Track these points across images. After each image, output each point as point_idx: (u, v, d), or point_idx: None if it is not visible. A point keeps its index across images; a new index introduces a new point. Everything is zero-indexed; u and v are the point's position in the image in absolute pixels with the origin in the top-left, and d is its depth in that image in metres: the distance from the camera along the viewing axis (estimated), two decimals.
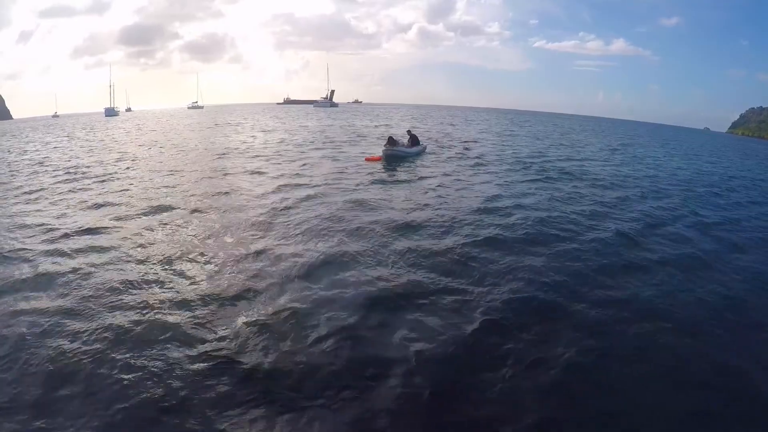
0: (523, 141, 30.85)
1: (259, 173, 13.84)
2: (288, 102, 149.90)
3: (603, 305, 5.31)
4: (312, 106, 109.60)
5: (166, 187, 11.93)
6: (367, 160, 16.57)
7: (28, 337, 4.41)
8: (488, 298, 5.34)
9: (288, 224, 8.19)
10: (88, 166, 16.07)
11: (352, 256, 6.57)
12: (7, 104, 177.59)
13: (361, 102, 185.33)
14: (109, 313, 4.87)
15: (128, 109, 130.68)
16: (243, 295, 5.31)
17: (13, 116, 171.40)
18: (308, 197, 10.31)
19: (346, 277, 5.87)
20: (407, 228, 8.02)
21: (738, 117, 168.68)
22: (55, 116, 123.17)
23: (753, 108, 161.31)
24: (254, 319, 4.75)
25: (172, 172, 14.29)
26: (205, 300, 5.18)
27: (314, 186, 11.76)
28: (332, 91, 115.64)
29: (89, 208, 9.71)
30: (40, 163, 17.52)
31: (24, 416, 3.41)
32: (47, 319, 4.72)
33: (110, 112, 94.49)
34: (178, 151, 20.88)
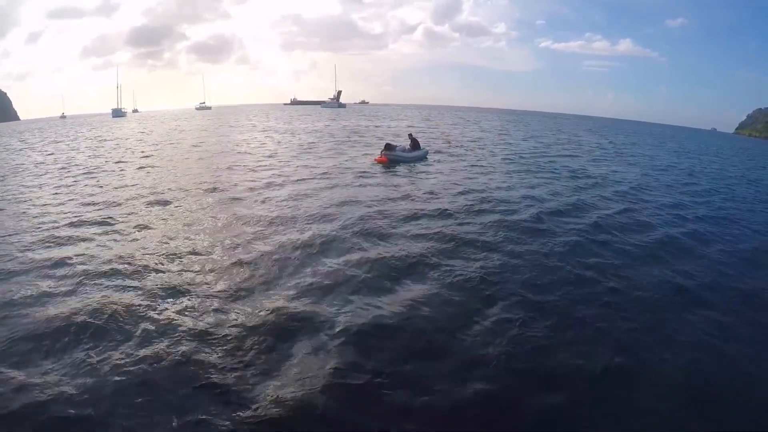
0: (527, 141, 30.95)
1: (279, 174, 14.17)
2: (295, 102, 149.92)
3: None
4: (320, 106, 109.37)
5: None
6: (377, 160, 16.75)
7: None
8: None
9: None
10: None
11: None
12: (15, 105, 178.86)
13: (367, 103, 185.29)
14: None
15: (135, 110, 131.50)
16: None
17: (21, 117, 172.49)
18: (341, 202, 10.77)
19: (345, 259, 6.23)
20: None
21: (745, 117, 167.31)
22: (63, 117, 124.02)
23: (760, 108, 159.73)
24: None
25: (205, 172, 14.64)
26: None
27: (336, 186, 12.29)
28: (339, 92, 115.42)
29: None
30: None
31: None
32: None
33: (117, 113, 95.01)
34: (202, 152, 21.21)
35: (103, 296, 5.34)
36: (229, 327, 4.67)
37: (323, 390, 3.73)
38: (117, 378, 3.85)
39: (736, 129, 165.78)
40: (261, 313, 4.96)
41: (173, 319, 4.80)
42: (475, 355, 4.34)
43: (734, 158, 33.62)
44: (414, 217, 9.23)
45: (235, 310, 5.03)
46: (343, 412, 3.57)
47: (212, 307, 5.09)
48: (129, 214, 9.29)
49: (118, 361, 4.06)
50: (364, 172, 14.58)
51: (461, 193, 11.73)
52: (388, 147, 17.10)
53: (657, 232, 9.10)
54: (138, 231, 8.12)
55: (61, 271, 6.16)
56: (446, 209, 9.84)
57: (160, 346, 4.31)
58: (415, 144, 18.61)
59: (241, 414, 3.47)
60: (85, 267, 6.25)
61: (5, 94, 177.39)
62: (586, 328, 4.98)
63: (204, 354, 4.20)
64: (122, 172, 15.18)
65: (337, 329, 4.66)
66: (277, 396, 3.66)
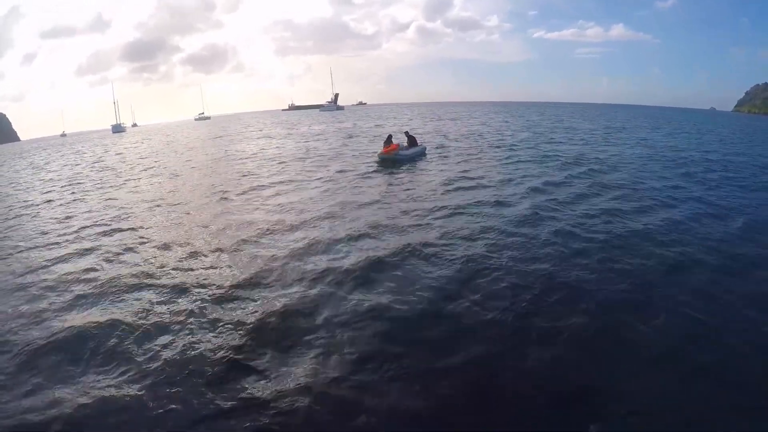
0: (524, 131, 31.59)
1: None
2: (293, 108, 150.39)
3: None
4: (319, 110, 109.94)
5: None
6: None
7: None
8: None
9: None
10: None
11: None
12: (14, 126, 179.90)
13: (365, 103, 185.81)
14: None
15: (134, 125, 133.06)
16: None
17: (21, 138, 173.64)
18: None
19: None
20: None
21: (743, 95, 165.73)
22: (63, 135, 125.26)
23: (758, 84, 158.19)
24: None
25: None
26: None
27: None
28: (337, 95, 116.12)
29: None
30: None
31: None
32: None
33: (117, 129, 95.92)
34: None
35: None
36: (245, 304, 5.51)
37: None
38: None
39: (735, 107, 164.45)
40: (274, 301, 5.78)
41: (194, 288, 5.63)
42: (465, 317, 5.06)
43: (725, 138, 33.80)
44: (413, 199, 10.50)
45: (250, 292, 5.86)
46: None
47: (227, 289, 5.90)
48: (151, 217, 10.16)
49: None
50: (365, 172, 15.39)
51: (457, 181, 12.81)
52: (389, 139, 18.00)
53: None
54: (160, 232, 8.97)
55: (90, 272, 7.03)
56: (442, 195, 10.99)
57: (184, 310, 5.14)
58: (412, 141, 19.05)
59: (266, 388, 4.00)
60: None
61: (4, 115, 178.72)
62: (543, 282, 5.84)
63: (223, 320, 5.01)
64: (139, 182, 16.11)
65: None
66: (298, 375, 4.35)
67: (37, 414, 3.69)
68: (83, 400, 3.83)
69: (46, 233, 9.67)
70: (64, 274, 6.83)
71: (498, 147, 22.18)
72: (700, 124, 49.37)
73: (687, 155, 19.51)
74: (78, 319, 5.27)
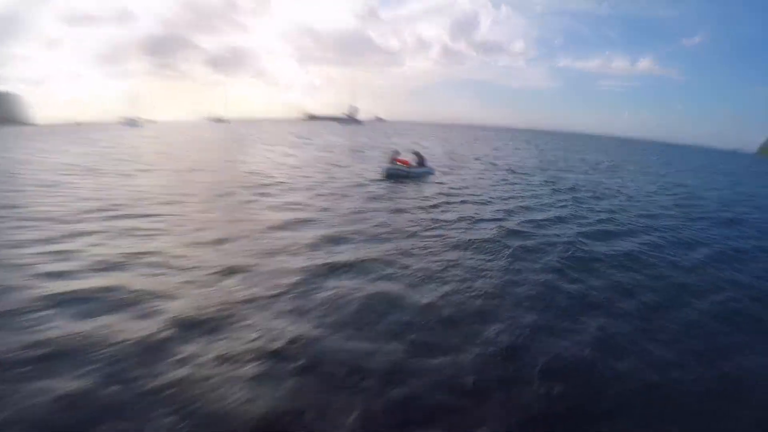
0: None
1: None
2: (311, 118, 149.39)
3: None
4: (338, 123, 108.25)
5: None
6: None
7: None
8: None
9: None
10: None
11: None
12: (30, 109, 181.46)
13: (383, 120, 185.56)
14: None
15: (149, 120, 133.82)
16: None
17: (35, 122, 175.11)
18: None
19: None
20: None
21: (766, 139, 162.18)
22: (78, 124, 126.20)
23: None
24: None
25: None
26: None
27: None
28: (356, 108, 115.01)
29: None
30: None
31: None
32: None
33: (132, 123, 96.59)
34: None
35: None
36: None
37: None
38: None
39: (759, 149, 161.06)
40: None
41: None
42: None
43: None
44: (408, 212, 11.23)
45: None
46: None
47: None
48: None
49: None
50: (371, 187, 15.34)
51: (454, 201, 13.15)
52: (396, 154, 18.51)
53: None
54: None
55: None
56: (441, 206, 12.06)
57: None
58: (420, 160, 19.16)
59: None
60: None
61: (20, 97, 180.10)
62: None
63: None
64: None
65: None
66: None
67: None
68: None
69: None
70: None
71: (510, 171, 22.23)
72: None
73: None
74: None
